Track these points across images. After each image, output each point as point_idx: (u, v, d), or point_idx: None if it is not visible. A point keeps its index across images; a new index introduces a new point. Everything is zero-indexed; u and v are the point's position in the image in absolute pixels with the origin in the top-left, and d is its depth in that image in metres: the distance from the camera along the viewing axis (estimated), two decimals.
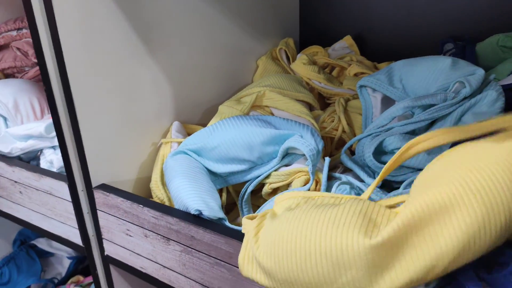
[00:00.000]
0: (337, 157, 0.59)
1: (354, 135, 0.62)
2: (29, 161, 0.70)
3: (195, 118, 0.70)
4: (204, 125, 0.66)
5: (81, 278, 1.00)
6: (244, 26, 0.77)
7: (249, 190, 0.54)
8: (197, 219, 0.47)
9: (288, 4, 0.91)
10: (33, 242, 1.06)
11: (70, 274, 1.05)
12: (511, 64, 0.61)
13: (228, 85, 0.77)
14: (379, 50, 0.87)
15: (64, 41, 0.48)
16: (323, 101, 0.76)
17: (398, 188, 0.50)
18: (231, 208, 0.62)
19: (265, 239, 0.37)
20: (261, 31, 0.83)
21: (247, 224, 0.41)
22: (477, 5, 0.75)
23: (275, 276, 0.36)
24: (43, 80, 0.51)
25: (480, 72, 0.51)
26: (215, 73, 0.73)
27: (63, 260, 1.06)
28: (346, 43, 0.86)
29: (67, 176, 0.55)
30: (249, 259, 0.39)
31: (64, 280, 1.03)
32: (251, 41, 0.81)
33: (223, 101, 0.73)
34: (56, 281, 1.02)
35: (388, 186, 0.52)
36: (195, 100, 0.70)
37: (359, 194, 0.49)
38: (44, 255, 1.05)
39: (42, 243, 1.04)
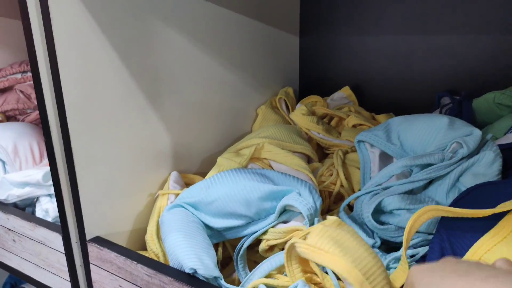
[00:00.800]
0: (334, 212, 0.59)
1: (353, 190, 0.62)
2: (24, 207, 0.69)
3: (194, 168, 0.70)
4: (202, 174, 0.66)
5: None
6: (245, 76, 0.79)
7: (245, 246, 0.54)
8: (192, 279, 0.46)
9: (288, 54, 0.94)
10: (24, 286, 1.03)
11: None
12: (507, 122, 0.61)
13: (227, 133, 0.77)
14: (377, 101, 0.89)
15: (66, 93, 0.49)
16: (322, 151, 0.77)
17: (397, 248, 0.49)
18: (226, 262, 0.61)
19: None
20: (261, 80, 0.85)
21: None
22: (474, 61, 0.77)
23: None
24: (44, 131, 0.52)
25: (477, 133, 0.52)
26: (213, 121, 0.74)
27: None
28: (344, 93, 0.88)
29: (62, 227, 0.55)
30: None
31: None
32: (251, 90, 0.82)
33: (222, 149, 0.73)
34: None
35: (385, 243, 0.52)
36: (194, 149, 0.70)
37: None
38: None
39: (31, 287, 1.02)
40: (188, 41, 0.65)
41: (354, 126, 0.78)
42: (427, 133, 0.55)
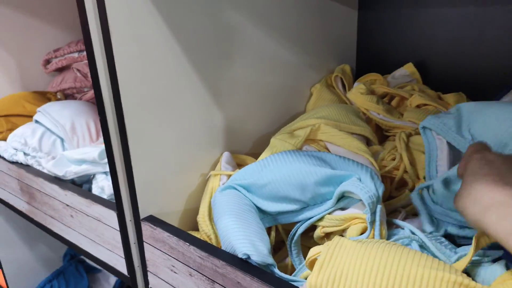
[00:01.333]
0: (397, 200, 0.55)
1: (417, 176, 0.57)
2: (81, 184, 0.71)
3: (246, 148, 0.68)
4: (255, 155, 0.64)
5: None
6: (299, 51, 0.75)
7: (299, 232, 0.51)
8: (245, 264, 0.44)
9: (345, 29, 0.88)
10: (82, 257, 1.08)
11: None
12: None
13: (280, 113, 0.74)
14: (444, 79, 0.81)
15: (120, 72, 0.48)
16: (381, 133, 0.72)
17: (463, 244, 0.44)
18: (279, 246, 0.59)
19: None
20: (316, 57, 0.80)
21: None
22: None
23: None
24: (99, 110, 0.51)
25: None
26: (267, 100, 0.71)
27: (109, 277, 1.07)
28: (407, 70, 0.81)
29: (117, 205, 0.55)
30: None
31: None
32: (306, 67, 0.78)
33: (275, 130, 0.70)
34: None
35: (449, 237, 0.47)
36: (246, 129, 0.68)
37: (422, 247, 0.45)
38: (92, 271, 1.07)
39: None
40: (242, 16, 0.62)
41: (418, 106, 0.72)
42: (506, 125, 0.48)
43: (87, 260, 1.07)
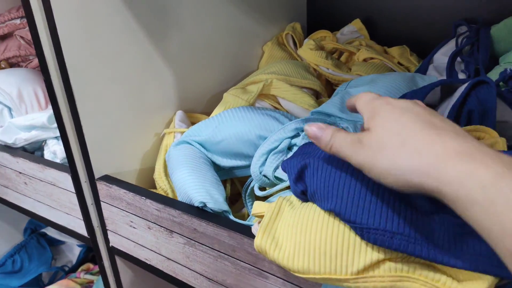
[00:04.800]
0: None
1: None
2: (33, 151, 0.69)
3: (199, 107, 0.69)
4: (208, 114, 0.65)
5: (91, 265, 1.01)
6: (249, 10, 0.75)
7: (252, 185, 0.53)
8: (200, 212, 0.46)
9: None
10: (43, 230, 1.07)
11: (81, 261, 1.06)
12: None
13: (233, 71, 0.75)
14: (389, 34, 0.84)
15: (61, 29, 0.47)
16: (331, 88, 0.74)
17: None
18: (235, 199, 0.61)
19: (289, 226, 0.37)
20: (267, 15, 0.81)
21: (262, 207, 0.41)
22: None
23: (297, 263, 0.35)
24: (42, 70, 0.50)
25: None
26: (219, 59, 0.71)
27: (73, 248, 1.07)
28: (355, 27, 0.84)
29: (70, 167, 0.55)
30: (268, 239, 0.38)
31: (75, 268, 1.04)
32: (257, 26, 0.78)
33: (227, 88, 0.71)
34: (66, 269, 1.04)
35: None
36: (199, 88, 0.68)
37: None
38: (55, 243, 1.06)
39: (52, 232, 1.05)
40: None
41: (365, 60, 0.74)
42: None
43: (49, 233, 1.06)
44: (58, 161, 0.63)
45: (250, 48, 0.78)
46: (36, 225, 1.08)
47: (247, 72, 0.77)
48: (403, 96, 0.49)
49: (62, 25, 0.47)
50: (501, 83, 0.56)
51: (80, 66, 0.50)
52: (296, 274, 0.35)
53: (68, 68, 0.49)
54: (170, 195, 0.55)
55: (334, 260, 0.34)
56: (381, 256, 0.33)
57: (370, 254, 0.33)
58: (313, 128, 0.33)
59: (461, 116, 0.42)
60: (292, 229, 0.37)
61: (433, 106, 0.48)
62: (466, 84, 0.43)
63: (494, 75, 0.59)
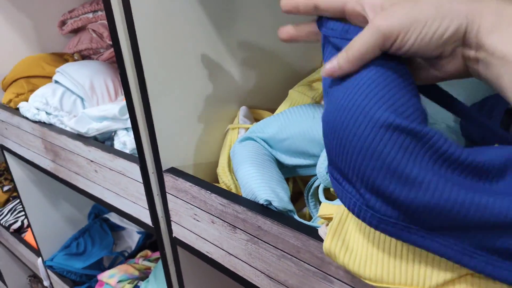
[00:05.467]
0: None
1: None
2: (104, 141, 0.73)
3: (263, 103, 0.69)
4: (272, 110, 0.64)
5: (149, 252, 1.05)
6: None
7: (315, 184, 0.52)
8: (264, 210, 0.46)
9: None
10: (106, 216, 1.12)
11: (139, 248, 1.10)
12: None
13: (299, 67, 0.74)
14: None
15: (138, 24, 0.48)
16: None
17: None
18: (297, 198, 0.60)
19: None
20: None
21: (330, 208, 0.39)
22: None
23: None
24: (118, 64, 0.52)
25: None
26: (284, 54, 0.70)
27: (133, 235, 1.11)
28: None
29: (139, 158, 0.57)
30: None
31: (134, 254, 1.08)
32: None
33: (293, 84, 0.70)
34: (126, 254, 1.08)
35: None
36: (263, 83, 0.68)
37: None
38: (116, 229, 1.12)
39: (114, 217, 1.11)
40: None
41: None
42: None
43: (111, 219, 1.11)
44: (127, 151, 0.65)
45: (315, 43, 0.77)
46: (99, 210, 1.13)
47: (312, 67, 0.75)
48: (485, 102, 0.46)
49: (139, 20, 0.48)
50: None
51: (154, 61, 0.51)
52: (368, 282, 0.34)
53: (143, 63, 0.50)
54: (233, 191, 0.55)
55: (411, 271, 0.32)
56: (463, 271, 0.30)
57: (451, 268, 0.31)
58: (326, 67, 0.32)
59: None
60: (364, 234, 0.35)
61: None
62: None
63: None
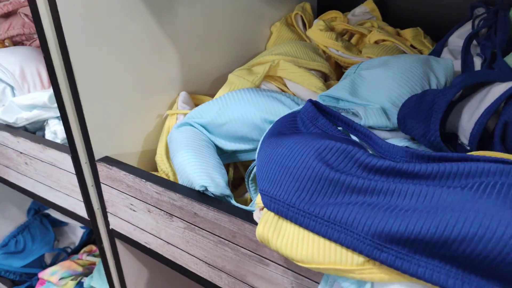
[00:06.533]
0: None
1: None
2: (35, 132, 0.68)
3: (204, 88, 0.67)
4: (213, 95, 0.63)
5: (93, 247, 1.01)
6: None
7: (255, 170, 0.51)
8: (201, 196, 0.45)
9: None
10: (47, 211, 1.07)
11: (84, 243, 1.06)
12: None
13: (240, 52, 0.73)
14: (403, 15, 0.81)
15: (61, 5, 0.45)
16: (340, 71, 0.72)
17: None
18: (238, 183, 0.59)
19: None
20: None
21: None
22: None
23: None
24: (42, 48, 0.48)
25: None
26: (225, 39, 0.69)
27: (76, 230, 1.07)
28: (367, 7, 0.80)
29: (70, 148, 0.53)
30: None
31: (78, 250, 1.04)
32: (265, 6, 0.76)
33: (233, 69, 0.69)
34: (69, 250, 1.04)
35: None
36: (203, 69, 0.66)
37: None
38: (58, 224, 1.06)
39: (55, 213, 1.05)
40: None
41: (376, 42, 0.71)
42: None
43: (52, 214, 1.06)
44: (58, 141, 0.62)
45: (258, 28, 0.76)
46: (39, 206, 1.08)
47: (254, 53, 0.74)
48: (434, 98, 0.46)
49: (63, 2, 0.45)
50: None
51: (81, 44, 0.48)
52: (299, 264, 0.34)
53: (68, 46, 0.47)
54: (172, 178, 0.53)
55: (339, 251, 0.32)
56: None
57: None
58: None
59: (496, 128, 0.37)
60: None
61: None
62: (505, 89, 0.38)
63: (511, 59, 0.56)
